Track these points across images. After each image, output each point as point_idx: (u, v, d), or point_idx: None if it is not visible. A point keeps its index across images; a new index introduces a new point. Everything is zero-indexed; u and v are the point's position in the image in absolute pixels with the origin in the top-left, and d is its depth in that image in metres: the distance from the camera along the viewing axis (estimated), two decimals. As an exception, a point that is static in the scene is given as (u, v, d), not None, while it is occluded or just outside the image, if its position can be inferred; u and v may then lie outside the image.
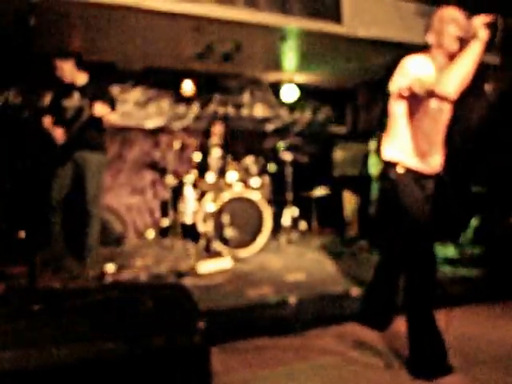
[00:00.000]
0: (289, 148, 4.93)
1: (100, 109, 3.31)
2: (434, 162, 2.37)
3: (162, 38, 4.44)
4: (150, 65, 5.37)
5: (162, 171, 5.06)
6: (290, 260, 4.02)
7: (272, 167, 4.96)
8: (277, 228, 4.78)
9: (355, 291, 2.96)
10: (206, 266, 3.60)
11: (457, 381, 2.09)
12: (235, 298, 2.80)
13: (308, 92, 6.17)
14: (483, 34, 2.00)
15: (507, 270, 3.38)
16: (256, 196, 4.30)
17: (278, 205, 4.91)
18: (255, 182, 4.52)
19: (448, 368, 2.16)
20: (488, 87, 4.73)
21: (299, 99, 6.05)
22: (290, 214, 4.87)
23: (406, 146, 2.32)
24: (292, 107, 6.24)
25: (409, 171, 2.29)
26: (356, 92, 6.40)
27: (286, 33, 4.27)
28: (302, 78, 5.88)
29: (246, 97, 6.05)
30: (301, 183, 5.18)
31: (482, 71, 4.65)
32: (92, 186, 3.40)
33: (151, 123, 5.53)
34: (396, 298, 2.71)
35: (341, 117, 6.53)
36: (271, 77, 5.88)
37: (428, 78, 2.09)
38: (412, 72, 2.16)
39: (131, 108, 5.44)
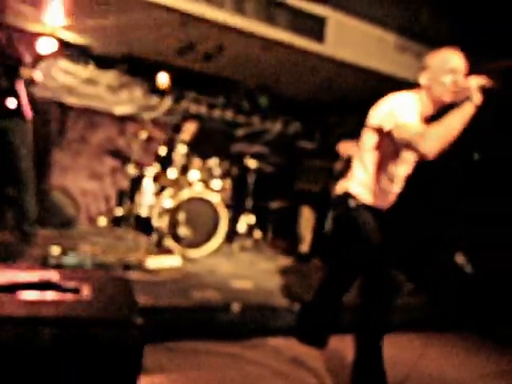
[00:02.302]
0: (255, 156, 4.95)
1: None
2: (390, 199, 2.37)
3: (145, 27, 4.37)
4: (129, 52, 5.27)
5: (124, 160, 4.96)
6: (240, 267, 4.03)
7: (235, 172, 4.97)
8: (231, 233, 4.78)
9: (298, 307, 2.99)
10: (155, 262, 3.55)
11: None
12: (179, 297, 2.77)
13: (281, 104, 6.23)
14: (477, 98, 1.94)
15: (447, 304, 3.51)
16: (215, 198, 4.29)
17: (235, 210, 4.91)
18: (216, 184, 4.50)
19: None
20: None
21: (271, 110, 6.11)
22: (246, 221, 4.89)
23: (366, 181, 2.29)
24: (264, 116, 6.28)
25: (364, 205, 2.29)
26: (327, 110, 6.52)
27: (269, 45, 4.32)
28: (278, 89, 5.93)
29: (220, 99, 6.04)
30: (262, 192, 5.21)
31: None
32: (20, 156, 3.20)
33: (120, 109, 5.42)
34: (337, 317, 2.77)
35: (310, 133, 6.62)
36: (248, 83, 5.89)
37: (410, 129, 1.97)
38: (396, 115, 2.04)
39: (102, 91, 5.32)
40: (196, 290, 2.97)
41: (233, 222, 4.79)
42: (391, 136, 2.07)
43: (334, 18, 4.33)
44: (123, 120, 5.42)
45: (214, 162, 4.55)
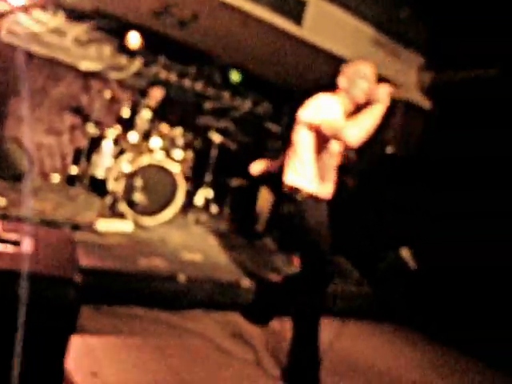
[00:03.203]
0: (220, 131, 4.91)
1: None
2: (328, 189, 2.58)
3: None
4: (102, 7, 5.05)
5: (85, 118, 4.80)
6: (192, 239, 4.03)
7: (199, 144, 4.91)
8: (188, 206, 4.75)
9: (246, 283, 3.03)
10: (105, 225, 3.50)
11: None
12: (125, 262, 2.74)
13: (253, 83, 6.17)
14: (385, 102, 2.31)
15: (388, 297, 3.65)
16: (175, 168, 4.23)
17: (194, 183, 4.87)
18: (178, 154, 4.44)
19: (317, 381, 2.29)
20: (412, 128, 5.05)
21: (242, 87, 6.04)
22: (204, 195, 4.86)
23: (308, 172, 2.49)
24: (234, 92, 6.21)
25: (310, 196, 2.48)
26: (297, 95, 6.53)
27: (248, 20, 4.24)
28: (252, 67, 5.87)
29: (192, 69, 5.91)
30: (223, 168, 5.18)
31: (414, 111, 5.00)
32: None
33: (86, 65, 5.21)
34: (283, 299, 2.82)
35: (278, 116, 6.61)
36: (222, 57, 5.79)
37: (336, 123, 2.29)
38: (324, 112, 2.36)
39: (69, 43, 5.09)
40: (144, 257, 2.95)
41: (190, 194, 4.76)
42: (320, 130, 2.38)
43: (315, 3, 4.30)
44: (88, 76, 5.22)
45: (177, 131, 4.47)
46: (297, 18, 4.22)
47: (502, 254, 3.65)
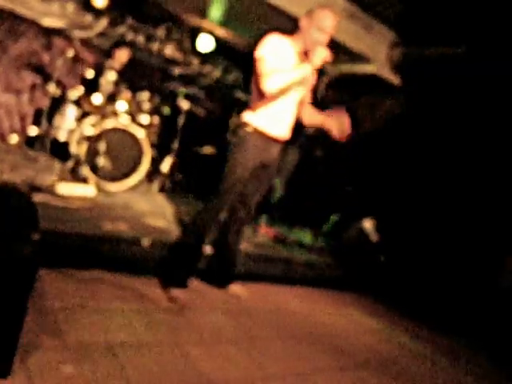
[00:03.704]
0: (189, 97, 4.80)
1: None
2: (280, 130, 2.61)
3: None
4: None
5: (46, 77, 4.58)
6: (157, 206, 3.97)
7: (166, 110, 4.79)
8: (153, 172, 4.67)
9: (209, 250, 3.02)
10: (67, 188, 3.38)
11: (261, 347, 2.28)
12: (87, 225, 2.67)
13: (223, 50, 6.03)
14: (315, 64, 2.37)
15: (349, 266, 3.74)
16: (140, 133, 4.11)
17: (160, 150, 4.77)
18: (144, 119, 4.32)
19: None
20: (382, 104, 5.10)
21: (213, 54, 5.90)
22: (170, 162, 4.78)
23: (260, 109, 2.53)
24: (204, 59, 6.06)
25: (257, 132, 2.54)
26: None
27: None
28: (222, 32, 5.72)
29: (160, 31, 5.71)
30: (190, 136, 5.10)
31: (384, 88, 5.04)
32: None
33: (49, 21, 4.94)
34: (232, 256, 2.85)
35: (248, 84, 6.52)
36: (193, 21, 5.62)
37: (264, 66, 2.38)
38: (262, 50, 2.42)
39: (31, -2, 4.80)
40: (107, 221, 2.88)
41: (156, 161, 4.66)
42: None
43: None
44: (50, 34, 4.96)
45: (144, 95, 4.34)
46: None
47: (458, 221, 3.79)
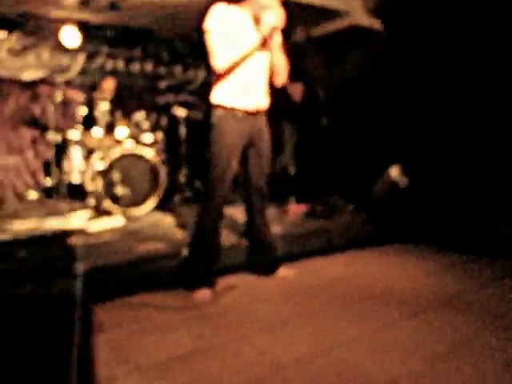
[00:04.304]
0: (183, 105, 4.80)
1: None
2: (253, 101, 2.53)
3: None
4: (27, 10, 4.81)
5: (43, 127, 4.64)
6: (183, 217, 3.98)
7: (165, 123, 4.80)
8: (171, 186, 4.69)
9: (244, 242, 3.01)
10: (96, 225, 3.44)
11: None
12: (123, 253, 2.70)
13: (200, 51, 6.00)
14: (265, 31, 2.35)
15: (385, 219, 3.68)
16: (148, 152, 4.15)
17: (172, 162, 4.79)
18: (147, 138, 4.34)
19: None
20: (370, 50, 5.00)
21: (191, 58, 5.89)
22: (184, 172, 4.80)
23: (223, 86, 2.46)
24: (186, 66, 6.04)
25: (229, 111, 2.46)
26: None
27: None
28: (197, 36, 5.67)
29: (137, 51, 5.72)
30: (197, 141, 5.09)
31: (368, 35, 4.93)
32: None
33: (29, 75, 5.00)
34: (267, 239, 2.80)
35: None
36: (164, 31, 5.60)
37: (211, 39, 2.36)
38: (208, 22, 2.37)
39: (4, 56, 4.85)
40: (141, 245, 2.91)
41: (171, 174, 4.69)
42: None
43: None
44: (33, 85, 5.01)
45: (140, 115, 4.37)
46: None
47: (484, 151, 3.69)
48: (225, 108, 2.47)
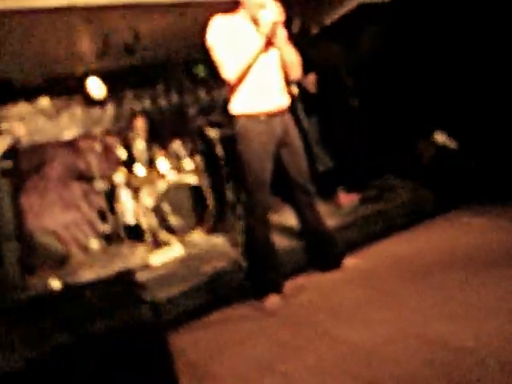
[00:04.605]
0: (213, 125, 4.85)
1: None
2: (273, 100, 2.48)
3: (56, 42, 4.20)
4: (51, 74, 5.08)
5: (91, 179, 4.85)
6: (238, 233, 3.99)
7: (202, 146, 4.88)
8: (222, 206, 4.72)
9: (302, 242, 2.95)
10: (158, 258, 3.51)
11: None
12: (189, 277, 2.73)
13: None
14: (265, 30, 2.32)
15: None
16: (192, 179, 4.22)
17: (217, 183, 4.84)
18: (188, 164, 4.43)
19: None
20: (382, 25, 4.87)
21: (211, 78, 5.97)
22: (230, 189, 4.82)
23: (238, 93, 2.44)
24: (209, 87, 6.14)
25: (251, 117, 2.42)
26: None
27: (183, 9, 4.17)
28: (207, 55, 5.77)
29: (160, 87, 5.88)
30: (235, 156, 5.13)
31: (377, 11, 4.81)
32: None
33: (68, 134, 5.26)
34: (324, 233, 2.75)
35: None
36: (179, 61, 5.73)
37: (215, 51, 2.38)
38: (209, 35, 2.39)
39: (42, 122, 5.15)
40: (204, 265, 2.93)
41: (219, 194, 4.73)
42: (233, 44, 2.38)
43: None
44: (73, 142, 5.26)
45: (176, 144, 4.47)
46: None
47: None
48: (246, 115, 2.46)
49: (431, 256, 2.63)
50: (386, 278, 2.46)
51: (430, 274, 2.33)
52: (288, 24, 2.59)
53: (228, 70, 2.37)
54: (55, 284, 3.20)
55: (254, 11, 2.39)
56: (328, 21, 5.08)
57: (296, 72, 2.58)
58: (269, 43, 2.44)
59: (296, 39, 3.12)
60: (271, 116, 2.49)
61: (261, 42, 2.37)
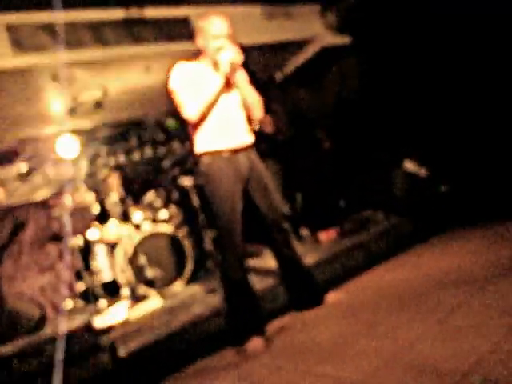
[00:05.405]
0: (187, 173, 4.84)
1: None
2: (236, 137, 2.49)
3: (26, 104, 4.22)
4: (25, 137, 5.08)
5: (65, 237, 4.71)
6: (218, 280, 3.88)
7: (176, 196, 4.84)
8: (201, 254, 4.62)
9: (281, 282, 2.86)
10: (136, 311, 3.37)
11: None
12: (168, 326, 2.59)
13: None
14: (224, 70, 2.34)
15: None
16: (168, 228, 4.14)
17: (194, 232, 4.76)
18: (163, 214, 4.36)
19: None
20: (348, 67, 5.06)
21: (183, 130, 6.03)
22: (209, 236, 4.74)
23: (201, 133, 2.44)
24: (183, 139, 6.17)
25: (216, 155, 2.42)
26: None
27: (149, 63, 4.26)
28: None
29: (132, 141, 5.90)
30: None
31: (341, 52, 5.01)
32: None
33: (40, 195, 5.17)
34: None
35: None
36: (150, 113, 5.80)
37: (178, 96, 2.42)
38: (172, 82, 2.44)
39: (13, 184, 5.06)
40: (182, 314, 2.81)
41: (198, 242, 4.64)
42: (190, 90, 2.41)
43: (196, 14, 4.32)
44: (46, 202, 5.16)
45: (150, 195, 4.42)
46: (191, 34, 4.22)
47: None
48: (209, 153, 2.44)
49: (417, 283, 2.58)
50: (371, 309, 2.39)
51: (418, 301, 2.27)
52: (250, 72, 2.67)
53: (189, 110, 2.39)
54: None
55: (214, 55, 2.44)
56: (291, 67, 5.24)
57: (257, 112, 2.61)
58: (228, 83, 2.48)
59: (261, 86, 3.21)
60: (235, 153, 2.48)
61: (220, 81, 2.41)
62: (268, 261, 3.46)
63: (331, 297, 2.71)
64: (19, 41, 3.47)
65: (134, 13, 3.96)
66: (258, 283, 2.83)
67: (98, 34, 3.76)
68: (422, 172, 3.61)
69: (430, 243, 3.27)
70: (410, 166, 3.65)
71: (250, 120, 2.64)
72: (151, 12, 4.06)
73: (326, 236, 3.81)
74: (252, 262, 3.73)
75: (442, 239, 3.25)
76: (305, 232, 4.09)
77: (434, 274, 2.61)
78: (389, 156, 3.91)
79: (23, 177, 5.13)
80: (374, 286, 2.78)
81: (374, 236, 3.35)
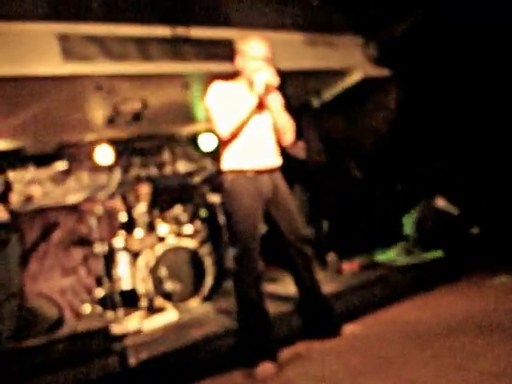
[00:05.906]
0: (216, 190, 4.88)
1: None
2: (263, 159, 2.51)
3: (66, 108, 4.37)
4: (63, 142, 5.25)
5: (91, 243, 4.81)
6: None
7: (203, 213, 4.87)
8: (222, 272, 4.61)
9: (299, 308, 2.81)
10: (151, 323, 3.37)
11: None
12: (179, 340, 2.57)
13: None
14: (259, 90, 2.39)
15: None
16: (191, 243, 4.16)
17: (218, 248, 4.77)
18: (188, 229, 4.39)
19: None
20: (386, 99, 5.04)
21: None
22: (231, 255, 4.73)
23: (230, 150, 2.49)
24: (215, 157, 6.25)
25: (241, 173, 2.44)
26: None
27: (188, 81, 4.35)
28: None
29: (166, 155, 6.01)
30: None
31: (380, 84, 5.01)
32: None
33: (72, 199, 5.30)
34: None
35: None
36: (185, 130, 5.91)
37: (212, 113, 2.47)
38: (208, 99, 2.50)
39: (48, 186, 5.22)
40: (195, 329, 2.79)
41: (219, 260, 4.64)
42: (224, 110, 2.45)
43: (239, 36, 4.41)
44: (76, 207, 5.28)
45: (178, 209, 4.46)
46: (231, 56, 4.32)
47: None
48: (234, 171, 2.47)
49: (436, 323, 2.49)
50: (386, 345, 2.31)
51: (435, 342, 2.18)
52: (285, 96, 2.70)
53: (222, 127, 2.44)
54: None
55: (250, 75, 2.50)
56: (328, 95, 5.26)
57: (288, 136, 2.62)
58: (262, 104, 2.51)
59: (295, 111, 3.24)
60: (259, 173, 2.50)
61: (254, 101, 2.44)
62: (287, 286, 3.42)
63: (348, 328, 2.64)
64: (69, 50, 3.63)
65: (180, 31, 4.08)
66: (274, 308, 2.79)
67: (143, 48, 3.88)
68: (454, 210, 3.52)
69: (458, 284, 3.16)
70: (441, 202, 3.56)
71: (279, 143, 2.66)
72: (196, 32, 4.17)
73: (349, 266, 3.74)
74: (270, 287, 3.67)
75: (470, 281, 3.13)
76: (331, 257, 4.00)
77: (453, 316, 2.51)
78: (419, 190, 3.84)
79: (59, 180, 5.28)
80: (392, 322, 2.70)
81: (396, 271, 3.26)
